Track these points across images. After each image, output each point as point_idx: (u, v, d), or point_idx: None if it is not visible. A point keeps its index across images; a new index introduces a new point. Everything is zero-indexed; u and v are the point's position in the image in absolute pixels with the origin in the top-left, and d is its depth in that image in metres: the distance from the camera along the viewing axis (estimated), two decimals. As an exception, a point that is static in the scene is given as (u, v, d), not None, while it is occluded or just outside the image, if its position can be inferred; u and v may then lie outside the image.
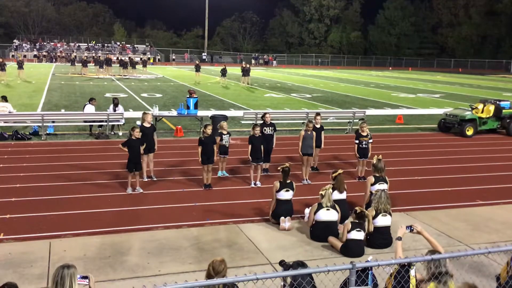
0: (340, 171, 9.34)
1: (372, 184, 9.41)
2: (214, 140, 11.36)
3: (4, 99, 17.93)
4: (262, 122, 12.86)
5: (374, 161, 9.64)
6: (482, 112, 19.75)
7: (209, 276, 4.86)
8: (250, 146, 11.42)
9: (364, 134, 12.22)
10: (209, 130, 11.14)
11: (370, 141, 12.27)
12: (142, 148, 10.87)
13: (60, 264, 4.42)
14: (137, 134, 10.66)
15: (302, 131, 12.19)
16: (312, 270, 4.56)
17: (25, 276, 6.76)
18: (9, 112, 17.11)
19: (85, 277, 4.45)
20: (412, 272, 5.00)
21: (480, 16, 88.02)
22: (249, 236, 8.52)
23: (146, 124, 11.45)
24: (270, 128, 12.57)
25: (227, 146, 11.95)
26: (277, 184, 9.14)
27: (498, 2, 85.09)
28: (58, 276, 4.28)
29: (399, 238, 5.76)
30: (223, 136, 11.86)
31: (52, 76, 42.38)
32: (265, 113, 13.00)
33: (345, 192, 9.28)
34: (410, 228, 5.78)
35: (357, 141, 12.18)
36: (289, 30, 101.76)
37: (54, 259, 7.21)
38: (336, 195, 9.03)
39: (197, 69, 43.12)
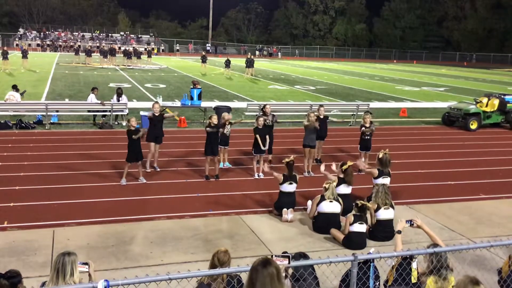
0: (349, 163, 9.25)
1: (375, 178, 9.38)
2: (218, 130, 11.36)
3: (15, 88, 18.12)
4: (262, 113, 12.74)
5: (380, 155, 9.55)
6: (486, 106, 19.66)
7: (213, 266, 4.86)
8: (255, 137, 11.41)
9: (367, 125, 12.08)
10: (214, 120, 11.15)
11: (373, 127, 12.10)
12: (137, 136, 10.44)
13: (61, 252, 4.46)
14: (134, 123, 10.54)
15: (306, 122, 12.11)
16: (314, 261, 4.58)
17: (29, 264, 6.81)
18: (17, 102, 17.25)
19: (85, 264, 4.53)
20: (413, 265, 5.02)
21: (486, 10, 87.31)
22: (251, 227, 8.54)
23: (155, 113, 11.47)
24: (270, 119, 12.53)
25: (227, 135, 11.94)
26: (280, 176, 9.14)
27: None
28: (60, 263, 4.32)
29: (399, 232, 5.79)
30: (226, 126, 11.87)
31: (56, 65, 42.37)
32: (265, 105, 12.96)
33: (351, 186, 9.27)
34: (410, 222, 5.78)
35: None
36: (294, 21, 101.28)
37: (58, 247, 7.25)
38: (344, 189, 9.00)
39: (203, 60, 42.97)
